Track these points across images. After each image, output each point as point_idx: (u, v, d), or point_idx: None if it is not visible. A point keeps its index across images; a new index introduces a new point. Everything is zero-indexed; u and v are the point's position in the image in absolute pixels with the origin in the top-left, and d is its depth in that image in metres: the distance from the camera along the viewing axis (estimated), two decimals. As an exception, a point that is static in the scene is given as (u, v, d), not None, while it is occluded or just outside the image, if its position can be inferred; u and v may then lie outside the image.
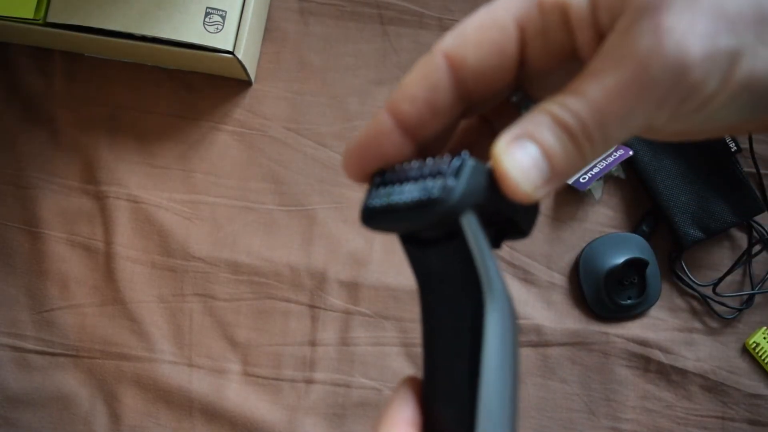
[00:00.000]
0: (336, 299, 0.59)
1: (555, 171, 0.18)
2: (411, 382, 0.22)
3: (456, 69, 0.19)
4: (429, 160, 0.20)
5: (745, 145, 0.59)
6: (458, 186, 0.18)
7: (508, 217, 0.21)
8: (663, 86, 0.17)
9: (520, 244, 0.60)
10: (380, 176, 0.21)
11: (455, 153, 0.19)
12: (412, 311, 0.59)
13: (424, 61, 0.20)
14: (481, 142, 0.23)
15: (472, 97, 0.20)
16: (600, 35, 0.19)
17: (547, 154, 0.18)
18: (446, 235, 0.20)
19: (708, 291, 0.59)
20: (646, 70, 0.17)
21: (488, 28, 0.19)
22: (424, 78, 0.20)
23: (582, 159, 0.19)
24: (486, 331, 0.19)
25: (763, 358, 0.58)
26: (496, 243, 0.22)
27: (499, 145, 0.18)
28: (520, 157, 0.18)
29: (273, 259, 0.59)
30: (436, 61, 0.19)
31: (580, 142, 0.18)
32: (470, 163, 0.19)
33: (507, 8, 0.19)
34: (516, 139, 0.18)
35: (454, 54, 0.19)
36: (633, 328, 0.59)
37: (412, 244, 0.22)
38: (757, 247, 0.60)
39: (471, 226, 0.19)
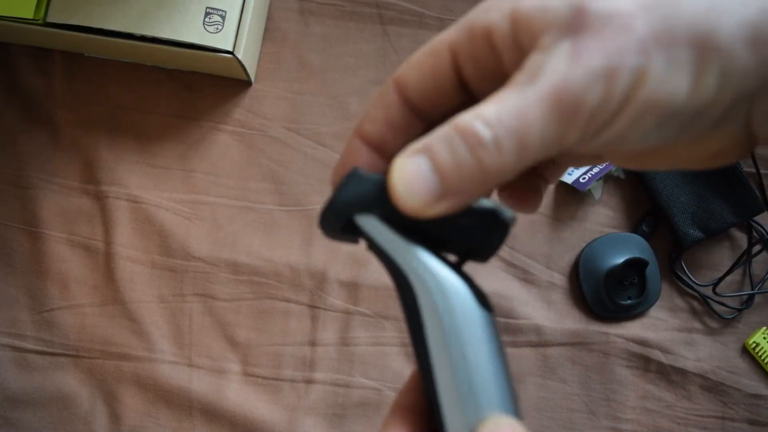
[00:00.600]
0: (336, 299, 0.59)
1: (447, 185, 0.18)
2: None
3: (402, 91, 0.22)
4: None
5: (745, 145, 0.59)
6: (336, 195, 0.21)
7: (446, 237, 0.22)
8: (573, 102, 0.18)
9: (520, 244, 0.60)
10: None
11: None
12: (412, 311, 0.58)
13: (380, 88, 0.22)
14: None
15: (423, 114, 0.22)
16: (523, 56, 0.19)
17: (437, 166, 0.18)
18: (363, 236, 0.22)
19: (708, 291, 0.59)
20: (559, 87, 0.18)
21: (425, 55, 0.21)
22: (379, 101, 0.22)
23: (481, 171, 0.18)
24: (422, 317, 0.21)
25: (763, 358, 0.58)
26: (459, 263, 0.23)
27: (397, 158, 0.19)
28: (408, 169, 0.19)
29: (273, 259, 0.59)
30: (388, 86, 0.22)
31: (484, 150, 0.18)
32: (354, 175, 0.21)
33: (442, 38, 0.21)
34: (414, 152, 0.19)
35: (399, 79, 0.22)
36: (633, 328, 0.59)
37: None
38: (757, 247, 0.60)
39: (367, 226, 0.21)
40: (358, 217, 0.21)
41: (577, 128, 0.18)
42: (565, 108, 0.18)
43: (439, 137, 0.19)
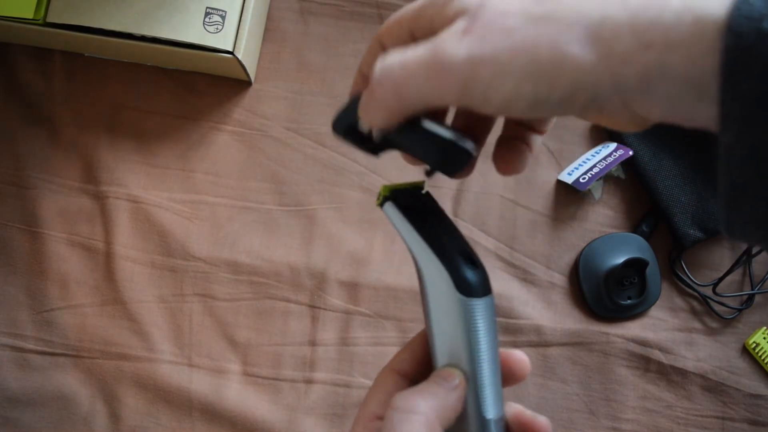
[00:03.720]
0: (336, 299, 0.59)
1: (367, 110, 0.26)
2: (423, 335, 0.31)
3: (381, 42, 0.28)
4: None
5: (745, 145, 0.59)
6: (342, 107, 0.28)
7: (416, 151, 0.28)
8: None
9: (520, 244, 0.60)
10: None
11: None
12: (412, 311, 0.59)
13: (372, 40, 0.29)
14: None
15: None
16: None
17: (367, 93, 0.26)
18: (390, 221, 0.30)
19: (708, 291, 0.59)
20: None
21: (396, 20, 0.28)
22: (370, 47, 0.29)
23: (378, 100, 0.25)
24: (424, 290, 0.29)
25: (763, 358, 0.58)
26: (428, 173, 0.29)
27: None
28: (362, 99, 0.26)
29: (273, 259, 0.59)
30: (375, 37, 0.29)
31: (378, 86, 0.25)
32: (356, 98, 0.27)
33: (407, 10, 0.28)
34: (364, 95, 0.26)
35: (380, 31, 0.29)
36: (633, 328, 0.59)
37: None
38: (757, 247, 0.60)
39: (389, 212, 0.29)
40: (387, 204, 0.29)
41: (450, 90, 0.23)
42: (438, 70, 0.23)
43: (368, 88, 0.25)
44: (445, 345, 0.28)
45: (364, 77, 0.29)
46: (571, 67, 0.21)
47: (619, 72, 0.21)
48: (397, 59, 0.24)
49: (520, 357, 0.30)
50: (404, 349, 0.31)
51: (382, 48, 0.28)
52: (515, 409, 0.30)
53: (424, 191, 0.31)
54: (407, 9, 0.27)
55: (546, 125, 0.29)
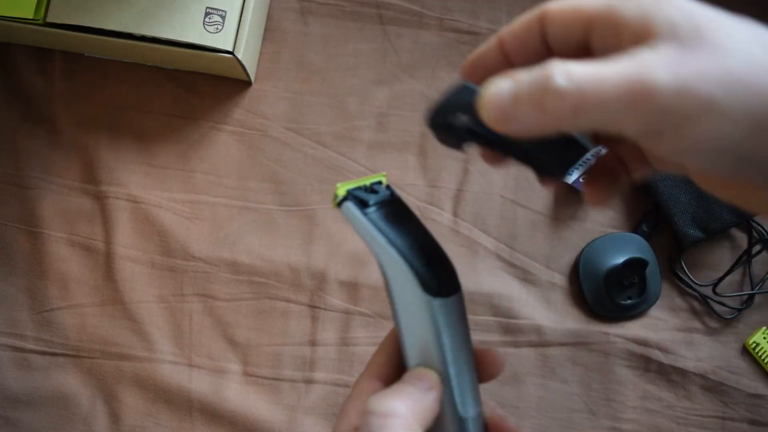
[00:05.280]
0: (336, 299, 0.59)
1: (513, 111, 0.21)
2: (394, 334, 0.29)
3: (542, 21, 0.24)
4: None
5: (745, 145, 0.59)
6: (442, 97, 0.24)
7: (520, 153, 0.25)
8: (645, 92, 0.20)
9: (520, 244, 0.60)
10: None
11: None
12: (412, 311, 0.59)
13: (529, 12, 0.24)
14: None
15: (551, 46, 0.24)
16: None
17: (514, 94, 0.21)
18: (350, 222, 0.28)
19: (708, 291, 0.59)
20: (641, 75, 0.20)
21: (575, 7, 0.23)
22: (525, 21, 0.25)
23: (542, 113, 0.21)
24: (390, 290, 0.28)
25: (763, 358, 0.58)
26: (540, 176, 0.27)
27: (495, 77, 0.22)
28: (493, 88, 0.22)
29: (273, 259, 0.59)
30: (536, 13, 0.24)
31: (549, 95, 0.20)
32: (463, 85, 0.24)
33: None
34: (507, 77, 0.22)
35: (547, 11, 0.24)
36: (633, 328, 0.59)
37: None
38: (757, 247, 0.60)
39: (347, 213, 0.27)
40: (347, 202, 0.27)
41: (637, 119, 0.20)
42: (637, 95, 0.19)
43: (530, 72, 0.21)
44: (415, 345, 0.27)
45: (500, 45, 0.25)
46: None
47: None
48: (588, 72, 0.20)
49: (493, 354, 0.29)
50: (378, 352, 0.30)
51: (541, 24, 0.24)
52: (489, 407, 0.29)
53: (384, 185, 0.29)
54: (584, 5, 0.23)
55: (641, 172, 0.27)
